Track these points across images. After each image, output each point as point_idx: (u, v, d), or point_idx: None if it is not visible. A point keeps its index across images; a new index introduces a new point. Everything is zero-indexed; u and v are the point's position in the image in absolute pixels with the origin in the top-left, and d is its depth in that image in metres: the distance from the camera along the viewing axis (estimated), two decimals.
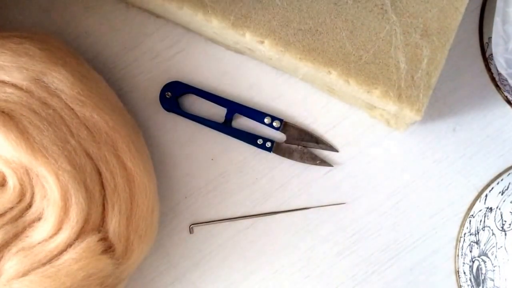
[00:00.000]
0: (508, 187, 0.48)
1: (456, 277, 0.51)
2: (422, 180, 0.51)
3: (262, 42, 0.44)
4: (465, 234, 0.50)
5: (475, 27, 0.51)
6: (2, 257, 0.43)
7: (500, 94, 0.51)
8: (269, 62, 0.49)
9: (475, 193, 0.51)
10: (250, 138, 0.51)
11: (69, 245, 0.42)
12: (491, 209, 0.47)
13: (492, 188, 0.50)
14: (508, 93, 0.50)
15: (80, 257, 0.42)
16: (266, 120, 0.51)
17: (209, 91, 0.51)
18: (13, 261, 0.42)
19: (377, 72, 0.43)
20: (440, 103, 0.51)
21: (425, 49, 0.43)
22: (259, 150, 0.51)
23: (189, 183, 0.51)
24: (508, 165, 0.51)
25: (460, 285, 0.50)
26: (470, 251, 0.48)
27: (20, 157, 0.42)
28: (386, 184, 0.51)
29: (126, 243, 0.44)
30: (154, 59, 0.51)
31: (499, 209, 0.46)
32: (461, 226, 0.51)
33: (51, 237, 0.43)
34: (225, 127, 0.51)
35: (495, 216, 0.46)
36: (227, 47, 0.50)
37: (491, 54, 0.48)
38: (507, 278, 0.43)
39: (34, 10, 0.50)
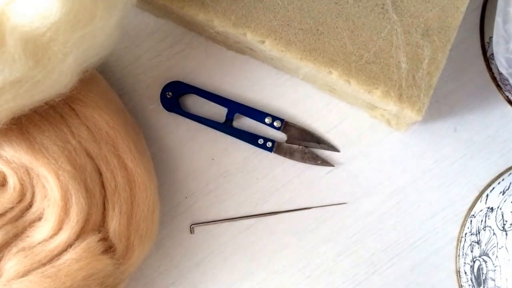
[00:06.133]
0: (509, 187, 0.48)
1: (457, 277, 0.51)
2: (423, 180, 0.51)
3: (263, 42, 0.44)
4: (466, 234, 0.50)
5: (476, 27, 0.51)
6: (2, 257, 0.42)
7: (501, 94, 0.51)
8: (270, 62, 0.49)
9: (476, 193, 0.51)
10: (251, 138, 0.51)
11: (69, 245, 0.42)
12: (492, 209, 0.47)
13: (493, 188, 0.50)
14: (509, 92, 0.50)
15: (80, 257, 0.42)
16: (267, 120, 0.51)
17: (210, 91, 0.51)
18: (13, 261, 0.42)
19: (378, 72, 0.43)
20: (441, 103, 0.51)
21: (426, 49, 0.43)
22: (260, 150, 0.51)
23: (190, 183, 0.51)
24: (509, 165, 0.51)
25: (461, 285, 0.50)
26: (471, 251, 0.48)
27: (21, 157, 0.42)
28: (387, 184, 0.51)
29: (127, 243, 0.44)
30: (154, 58, 0.51)
31: (500, 209, 0.46)
32: (462, 226, 0.51)
33: (51, 237, 0.43)
34: (226, 127, 0.51)
35: (496, 216, 0.46)
36: (228, 47, 0.50)
37: (492, 54, 0.48)
38: (508, 278, 0.42)
39: None
